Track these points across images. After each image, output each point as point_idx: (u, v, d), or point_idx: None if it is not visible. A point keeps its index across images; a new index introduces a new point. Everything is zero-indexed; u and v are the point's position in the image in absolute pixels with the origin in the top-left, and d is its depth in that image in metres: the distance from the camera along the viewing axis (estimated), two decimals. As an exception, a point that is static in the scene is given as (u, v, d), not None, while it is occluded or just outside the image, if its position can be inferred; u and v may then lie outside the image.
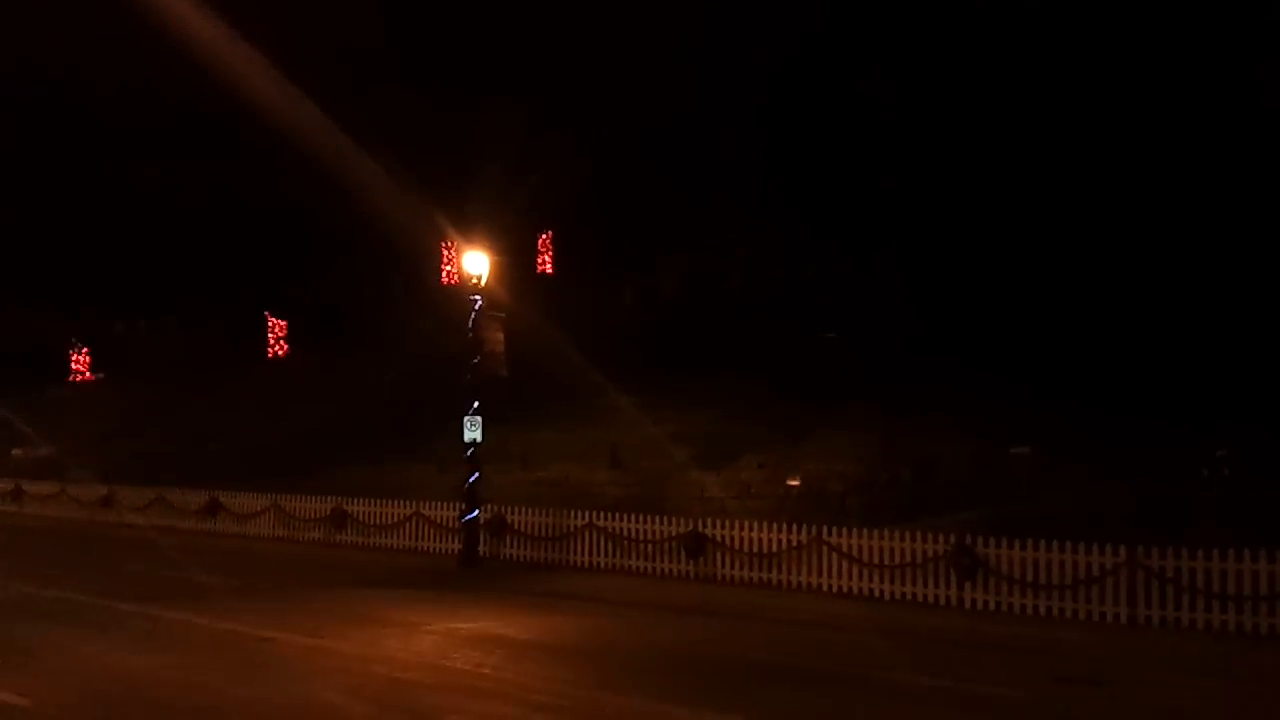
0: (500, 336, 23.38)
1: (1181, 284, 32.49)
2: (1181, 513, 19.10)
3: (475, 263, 22.99)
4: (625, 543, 21.74)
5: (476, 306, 22.94)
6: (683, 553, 20.83)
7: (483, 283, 23.01)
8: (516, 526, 23.56)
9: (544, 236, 56.93)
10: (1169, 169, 36.71)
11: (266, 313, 62.46)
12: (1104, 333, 31.66)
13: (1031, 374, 29.51)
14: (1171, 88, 38.15)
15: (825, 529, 19.47)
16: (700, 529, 20.81)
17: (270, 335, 61.98)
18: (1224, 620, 15.68)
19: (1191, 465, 22.63)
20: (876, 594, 18.42)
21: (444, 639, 14.17)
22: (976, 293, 38.23)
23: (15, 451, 50.24)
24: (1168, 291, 32.44)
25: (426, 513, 25.28)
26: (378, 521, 26.22)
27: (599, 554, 22.09)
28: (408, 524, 25.60)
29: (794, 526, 19.92)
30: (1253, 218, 33.60)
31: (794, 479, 26.72)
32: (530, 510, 23.70)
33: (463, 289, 23.43)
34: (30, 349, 64.52)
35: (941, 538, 18.04)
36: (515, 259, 40.41)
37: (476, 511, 22.49)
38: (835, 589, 18.87)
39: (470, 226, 25.42)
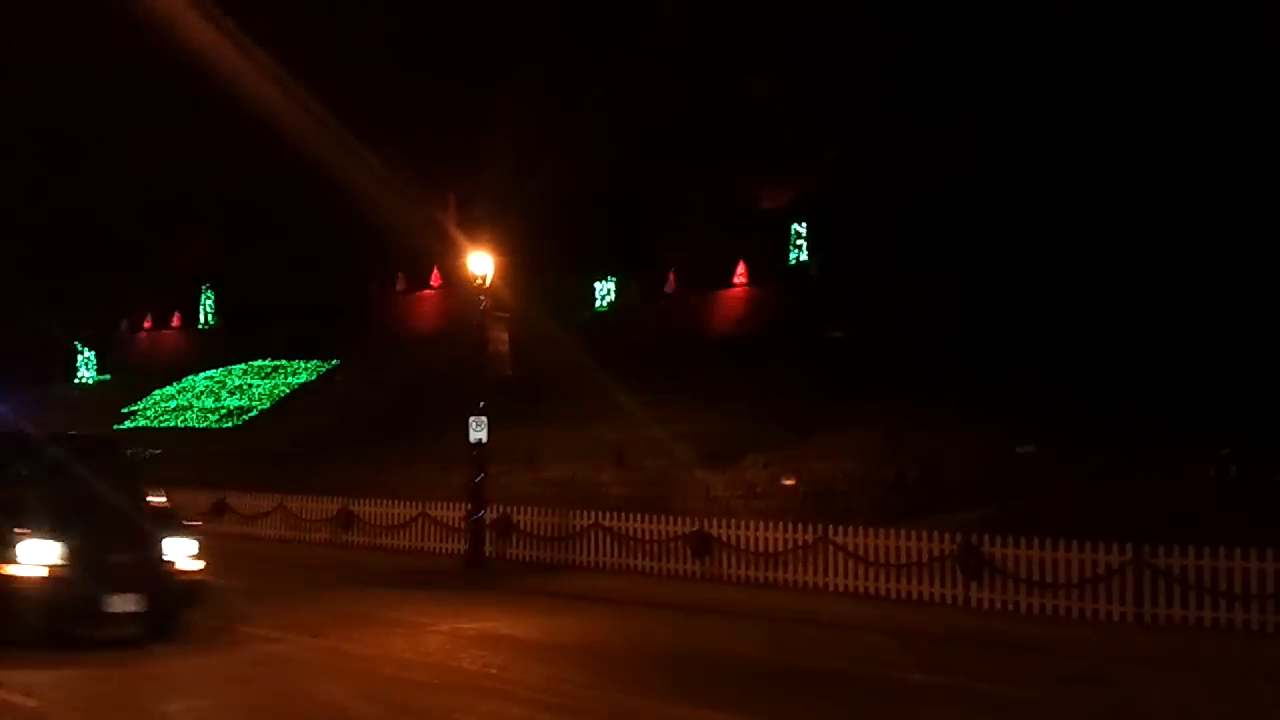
0: (505, 336, 23.34)
1: (1188, 283, 32.45)
2: (1188, 511, 19.09)
3: (480, 263, 22.96)
4: (631, 542, 21.70)
5: (481, 307, 22.94)
6: (688, 552, 20.79)
7: (487, 283, 22.99)
8: (522, 526, 23.54)
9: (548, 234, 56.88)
10: (1174, 167, 36.65)
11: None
12: (1110, 331, 31.64)
13: (1037, 372, 29.51)
14: (1177, 85, 38.06)
15: (831, 528, 19.44)
16: (706, 528, 20.77)
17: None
18: (1231, 618, 15.66)
19: (1198, 464, 22.61)
20: (883, 593, 18.39)
21: (450, 639, 14.16)
22: (982, 291, 38.21)
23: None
24: (1174, 290, 32.40)
25: (432, 513, 25.28)
26: (384, 522, 26.21)
27: (605, 554, 22.07)
28: (414, 524, 25.60)
29: (800, 526, 19.89)
30: (1261, 216, 33.52)
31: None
32: (536, 510, 23.69)
33: (467, 289, 23.39)
34: (36, 349, 64.60)
35: (948, 536, 18.01)
36: (521, 259, 40.43)
37: (482, 512, 22.48)
38: (841, 588, 18.84)
39: (475, 226, 25.42)
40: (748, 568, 20.10)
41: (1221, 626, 15.64)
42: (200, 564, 13.08)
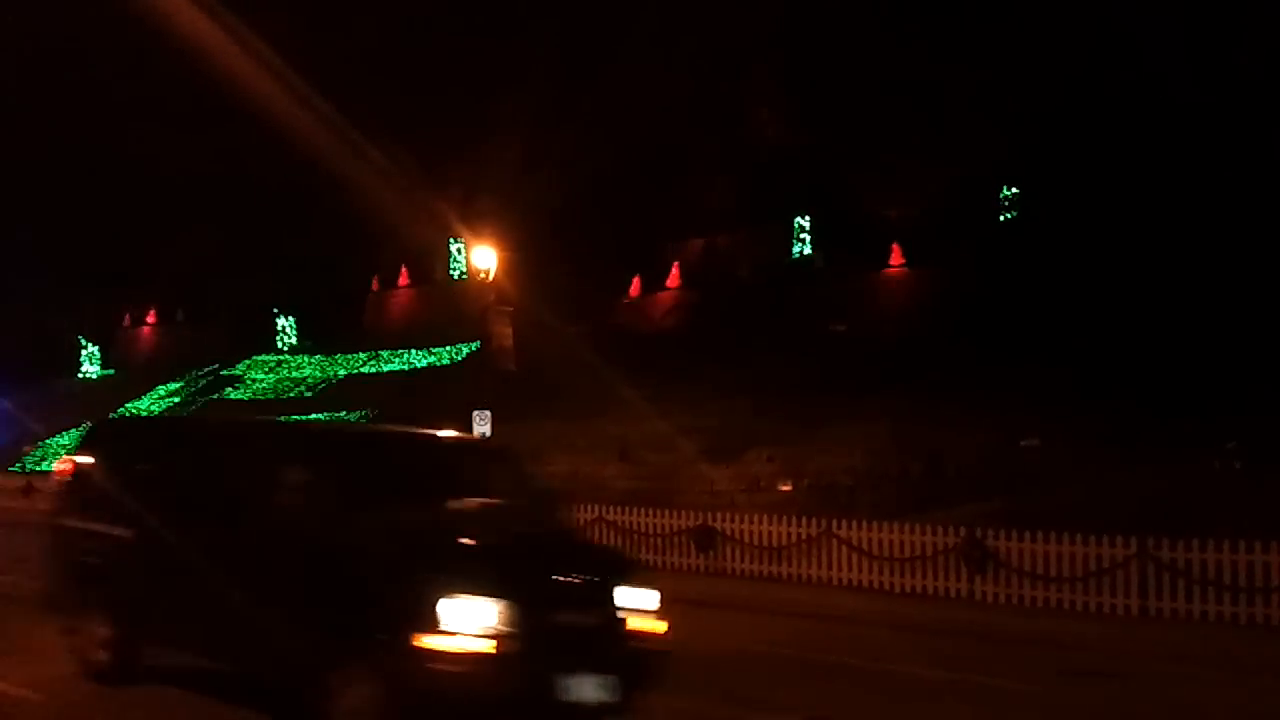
0: (508, 331, 23.36)
1: (1191, 277, 32.40)
2: (1192, 504, 19.07)
3: (484, 258, 22.97)
4: (635, 536, 21.69)
5: (485, 301, 22.97)
6: (693, 546, 20.79)
7: (491, 277, 23.00)
8: (526, 520, 23.51)
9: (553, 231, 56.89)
10: (1176, 164, 36.60)
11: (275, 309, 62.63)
12: (1114, 326, 31.60)
13: (1041, 366, 29.47)
14: (1182, 83, 38.00)
15: (835, 522, 19.44)
16: (710, 522, 20.77)
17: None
18: (1235, 612, 15.64)
19: (1202, 457, 22.60)
20: (887, 587, 18.38)
21: (455, 633, 14.12)
22: (985, 286, 38.17)
23: (25, 448, 50.40)
24: (1178, 285, 32.35)
25: (436, 507, 25.26)
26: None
27: (609, 548, 22.05)
28: (418, 518, 25.58)
29: (804, 520, 19.87)
30: (1264, 214, 33.45)
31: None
32: (540, 504, 23.64)
33: (470, 284, 23.44)
34: (38, 343, 64.64)
35: (952, 530, 18.00)
36: (524, 254, 40.53)
37: (486, 505, 22.44)
38: (846, 582, 18.83)
39: (479, 221, 25.46)
40: (752, 561, 20.10)
41: (1226, 620, 15.62)
42: (663, 625, 9.21)
